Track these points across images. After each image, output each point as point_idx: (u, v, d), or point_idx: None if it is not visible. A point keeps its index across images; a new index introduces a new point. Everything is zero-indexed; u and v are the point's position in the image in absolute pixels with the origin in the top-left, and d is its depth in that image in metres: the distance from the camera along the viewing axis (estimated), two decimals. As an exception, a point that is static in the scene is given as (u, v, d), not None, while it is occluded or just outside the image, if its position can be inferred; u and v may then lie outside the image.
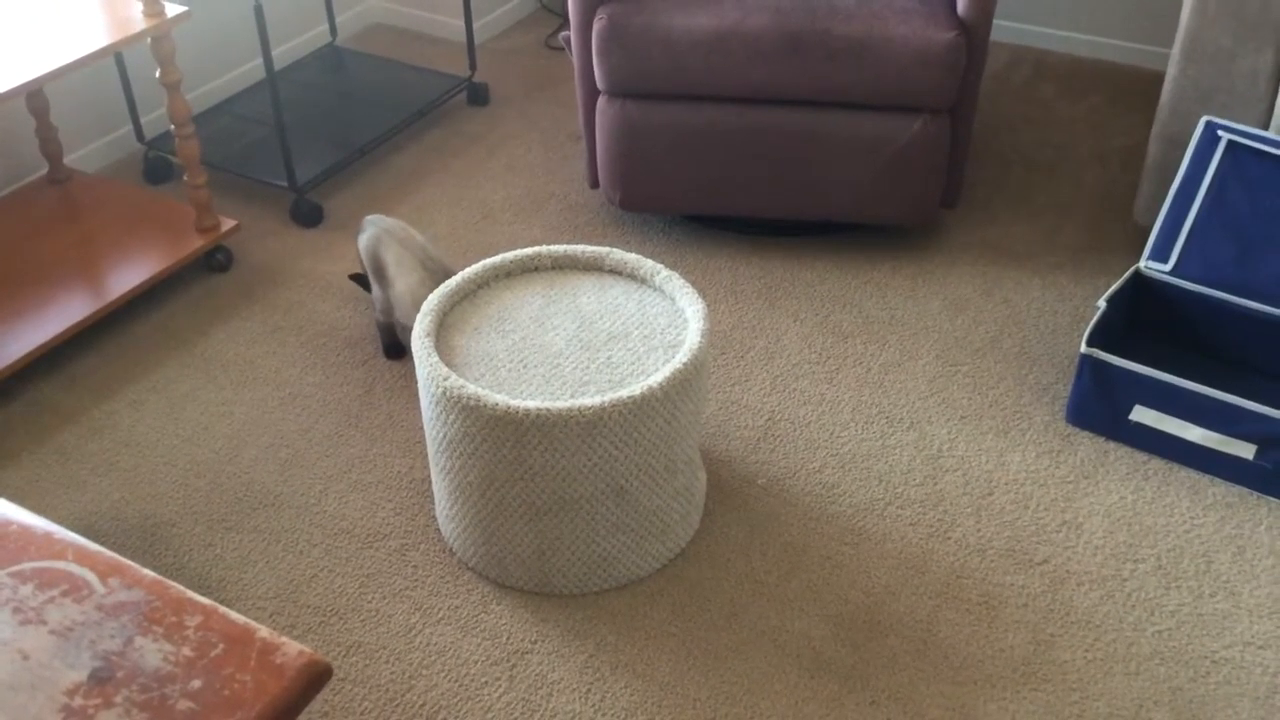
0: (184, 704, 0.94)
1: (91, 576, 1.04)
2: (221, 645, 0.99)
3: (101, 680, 0.96)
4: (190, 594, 1.02)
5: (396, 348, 2.29)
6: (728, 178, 2.48)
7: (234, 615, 1.01)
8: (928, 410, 2.16)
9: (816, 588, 1.83)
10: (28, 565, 1.05)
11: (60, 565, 1.05)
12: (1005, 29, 3.38)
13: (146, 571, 1.03)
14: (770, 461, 2.06)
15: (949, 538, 1.91)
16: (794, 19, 2.30)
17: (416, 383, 1.81)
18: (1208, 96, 2.23)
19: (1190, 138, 2.21)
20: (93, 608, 1.01)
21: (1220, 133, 2.16)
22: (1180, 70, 2.25)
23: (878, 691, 1.67)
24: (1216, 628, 1.75)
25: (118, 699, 0.94)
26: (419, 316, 1.81)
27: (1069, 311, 2.38)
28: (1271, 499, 1.95)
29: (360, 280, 2.43)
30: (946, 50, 2.24)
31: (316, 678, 0.97)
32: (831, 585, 1.83)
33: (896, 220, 2.51)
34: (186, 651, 0.98)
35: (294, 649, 0.98)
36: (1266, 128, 2.21)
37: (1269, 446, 1.92)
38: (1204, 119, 2.18)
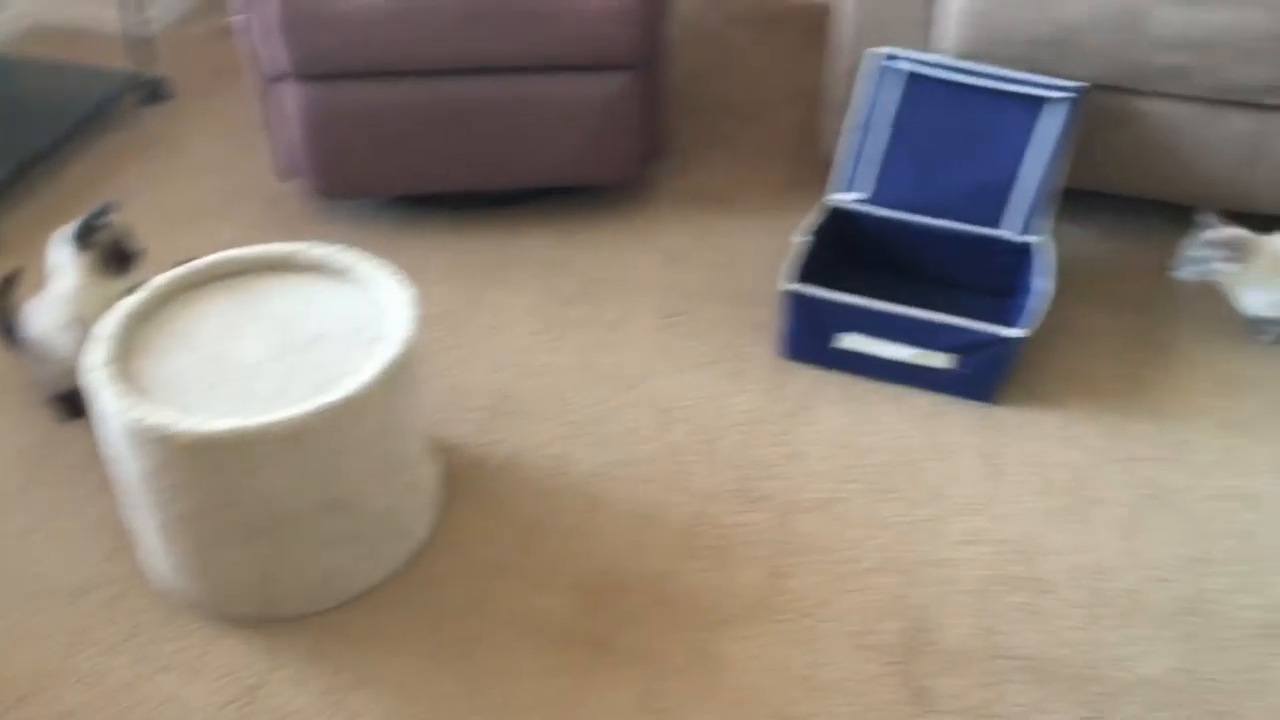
0: None
1: None
2: None
3: None
4: None
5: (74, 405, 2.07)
6: (430, 153, 2.42)
7: None
8: (652, 365, 2.19)
9: (557, 561, 1.83)
10: None
11: None
12: (694, -25, 3.43)
13: None
14: (503, 440, 2.04)
15: (682, 489, 1.94)
16: (471, -14, 2.25)
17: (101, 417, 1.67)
18: (876, 28, 2.33)
19: (862, 69, 2.30)
20: None
21: (889, 61, 2.26)
22: (851, 5, 2.33)
23: (624, 652, 1.69)
24: (931, 532, 1.86)
25: None
26: (91, 345, 1.67)
27: (777, 249, 2.45)
28: (970, 402, 2.08)
29: None
30: (627, 5, 2.24)
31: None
32: (572, 555, 1.83)
33: (604, 179, 2.51)
34: None
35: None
36: (934, 52, 2.32)
37: (965, 354, 2.04)
38: (875, 50, 2.27)
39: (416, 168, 2.43)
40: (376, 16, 2.23)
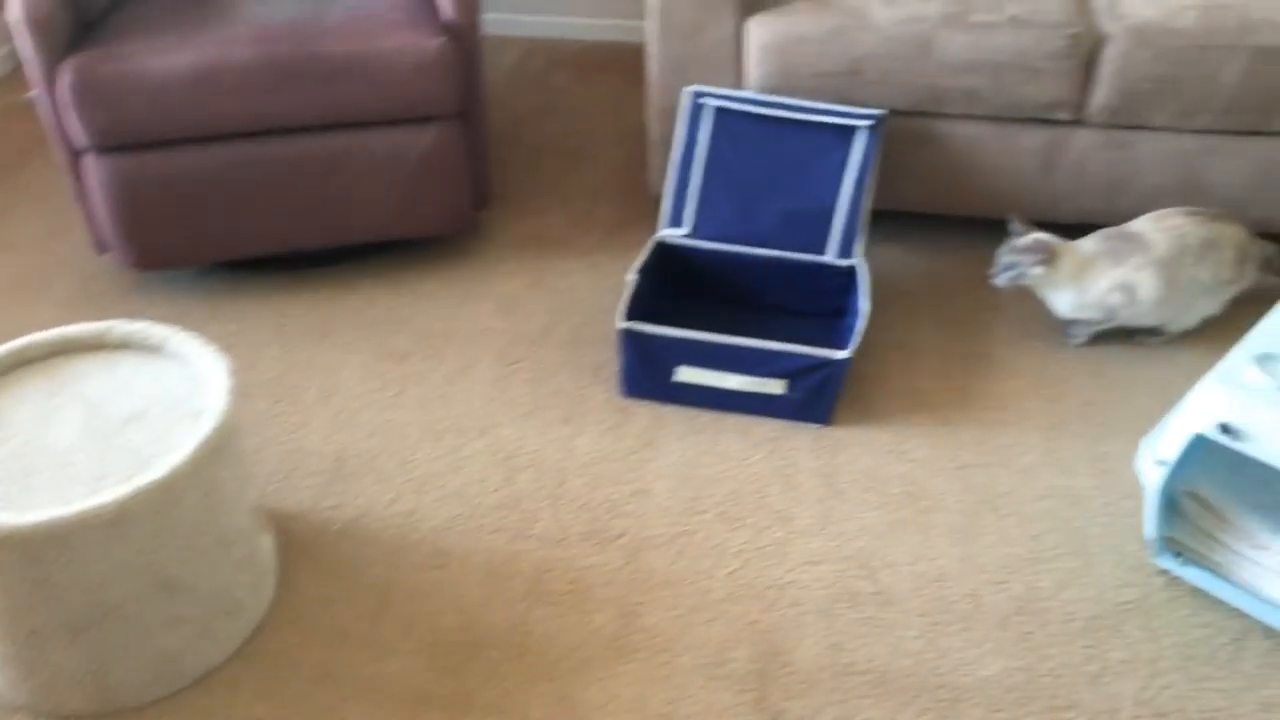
0: None
1: None
2: None
3: None
4: None
5: None
6: (251, 216, 2.36)
7: None
8: (494, 414, 2.17)
9: (408, 622, 1.79)
10: None
11: None
12: (511, 23, 3.45)
13: None
14: (344, 504, 1.99)
15: (531, 536, 1.93)
16: (280, 46, 2.21)
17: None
18: (687, 67, 2.38)
19: (679, 107, 2.35)
20: None
21: (704, 99, 2.32)
22: (659, 47, 2.39)
23: (483, 709, 1.66)
24: (777, 555, 1.89)
25: None
26: (-113, 446, 1.58)
27: (610, 288, 2.48)
28: (807, 424, 2.13)
29: None
30: (439, 56, 2.24)
31: None
32: (423, 615, 1.80)
33: (433, 231, 2.50)
34: None
35: None
36: (742, 88, 2.39)
37: (797, 378, 2.09)
38: (688, 89, 2.33)
39: (234, 232, 2.37)
40: (176, 83, 2.17)
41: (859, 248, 2.27)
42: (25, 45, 2.18)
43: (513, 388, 2.23)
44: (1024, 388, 2.21)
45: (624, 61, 3.35)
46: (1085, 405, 2.17)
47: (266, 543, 1.81)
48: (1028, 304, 2.38)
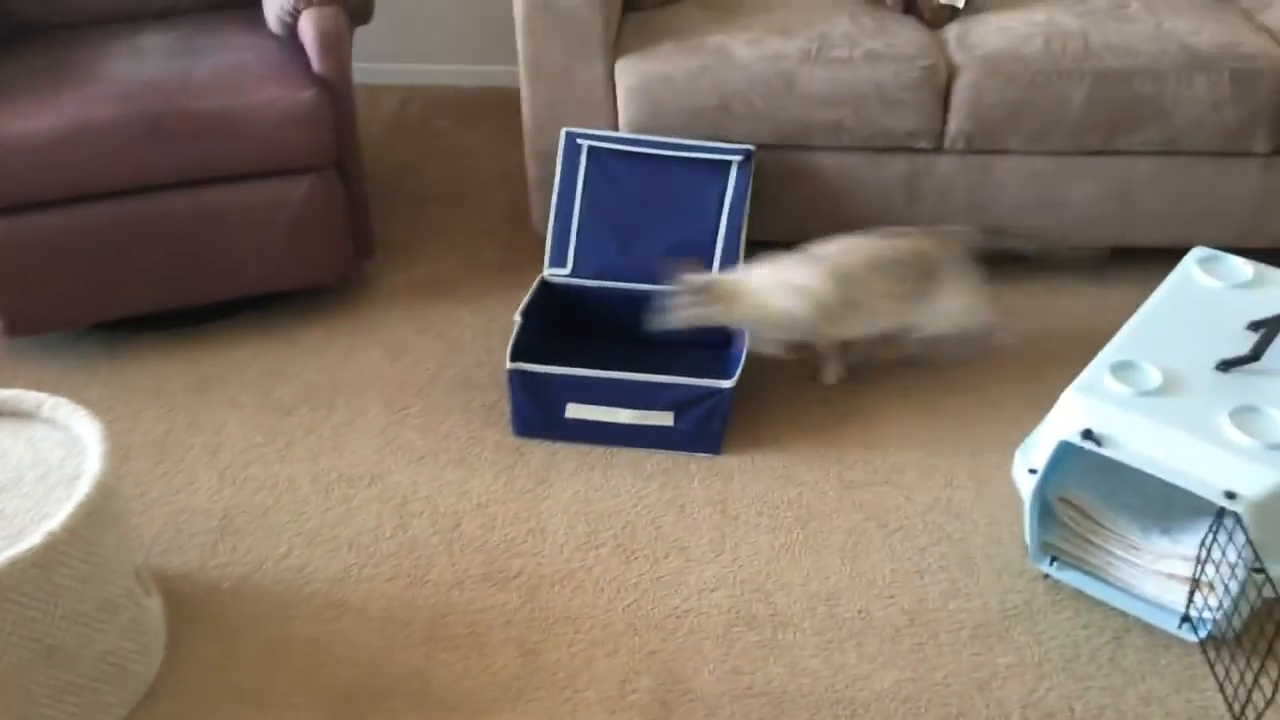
0: None
1: None
2: None
3: None
4: None
5: None
6: (126, 276, 2.32)
7: None
8: (385, 461, 2.16)
9: (306, 676, 1.76)
10: None
11: None
12: (388, 71, 3.46)
13: None
14: (233, 561, 1.95)
15: (427, 581, 1.92)
16: (146, 102, 2.19)
17: None
18: (560, 110, 2.43)
19: (557, 149, 2.39)
20: None
21: (579, 140, 2.36)
22: (531, 90, 2.43)
23: (384, 760, 1.64)
24: (674, 584, 1.91)
25: None
26: None
27: (498, 331, 2.48)
28: (697, 455, 2.17)
29: None
30: (309, 107, 2.24)
31: None
32: (321, 668, 1.78)
33: (316, 282, 2.48)
34: None
35: None
36: (617, 128, 2.44)
37: (683, 410, 2.12)
38: (563, 130, 2.37)
39: (110, 293, 2.32)
40: (43, 142, 2.13)
41: (739, 276, 2.33)
42: (-122, 109, 2.12)
43: (404, 434, 2.22)
44: (905, 407, 2.29)
45: (502, 106, 3.37)
46: (961, 420, 2.25)
47: (154, 605, 1.77)
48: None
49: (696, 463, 2.15)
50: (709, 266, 2.34)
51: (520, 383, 2.14)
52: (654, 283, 2.33)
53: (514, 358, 2.14)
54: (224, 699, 1.72)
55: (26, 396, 1.74)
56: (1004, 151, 2.43)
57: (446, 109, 3.38)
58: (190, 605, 1.87)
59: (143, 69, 2.28)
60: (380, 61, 3.46)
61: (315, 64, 2.29)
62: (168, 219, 2.27)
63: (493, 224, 2.85)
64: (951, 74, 2.37)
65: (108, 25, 2.48)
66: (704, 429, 2.14)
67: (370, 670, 1.77)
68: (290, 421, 2.25)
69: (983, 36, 2.41)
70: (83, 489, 1.57)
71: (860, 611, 1.87)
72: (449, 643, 1.82)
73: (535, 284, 2.33)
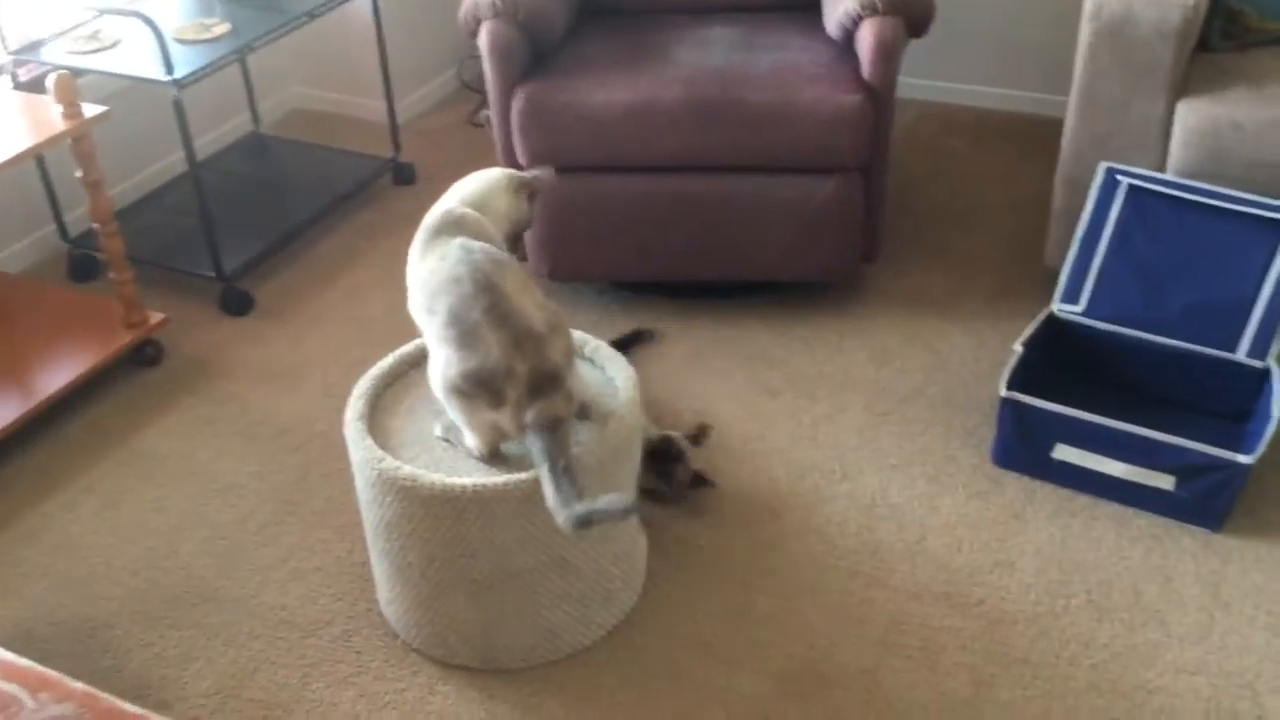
0: (123, 811, 0.94)
1: (21, 692, 1.03)
2: (157, 750, 0.99)
3: (38, 793, 0.95)
4: (121, 704, 1.02)
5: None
6: (652, 244, 2.54)
7: None
8: (859, 461, 2.21)
9: (761, 645, 1.85)
10: (-42, 681, 1.04)
11: (-9, 680, 1.04)
12: (913, 86, 3.49)
13: (77, 684, 1.02)
14: (708, 522, 2.09)
15: (887, 585, 1.94)
16: (708, 90, 2.37)
17: (352, 466, 1.81)
18: (1105, 143, 2.33)
19: (1091, 183, 2.30)
20: (26, 720, 1.01)
21: (1120, 177, 2.26)
22: (1078, 120, 2.35)
23: (826, 744, 1.69)
24: (1149, 657, 1.80)
25: (55, 811, 0.94)
26: (351, 400, 1.82)
27: (988, 356, 2.45)
28: (1194, 528, 2.01)
29: None
30: (854, 112, 2.32)
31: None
32: (775, 641, 1.86)
33: (818, 277, 2.57)
34: (123, 758, 0.98)
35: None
36: (1163, 170, 2.31)
37: (1187, 477, 1.98)
38: (1103, 165, 2.27)
39: (639, 256, 2.55)
40: (618, 113, 2.38)
41: (1276, 348, 2.13)
42: (488, 71, 2.46)
43: (880, 439, 2.26)
44: None
45: (1021, 132, 3.31)
46: None
47: (642, 543, 1.94)
48: None
49: (1191, 535, 2.00)
50: (1241, 333, 2.16)
51: (1011, 413, 2.10)
52: (1176, 337, 2.19)
53: (1009, 386, 2.10)
54: (686, 645, 1.85)
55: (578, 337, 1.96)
56: None
57: (961, 129, 3.36)
58: (667, 552, 2.02)
59: (709, 58, 2.47)
60: (908, 76, 3.51)
61: (865, 70, 2.36)
62: (708, 198, 2.46)
63: (994, 249, 2.81)
64: None
65: (680, 15, 2.71)
66: (1208, 502, 1.98)
67: (820, 657, 1.82)
68: (773, 404, 2.36)
69: None
70: (614, 424, 1.74)
71: (1369, 743, 1.66)
72: (901, 651, 1.83)
73: (1041, 317, 2.26)
